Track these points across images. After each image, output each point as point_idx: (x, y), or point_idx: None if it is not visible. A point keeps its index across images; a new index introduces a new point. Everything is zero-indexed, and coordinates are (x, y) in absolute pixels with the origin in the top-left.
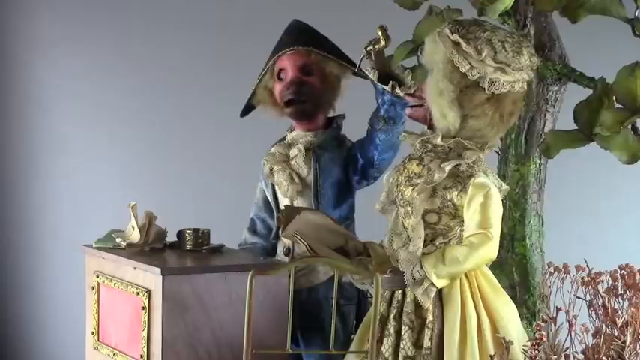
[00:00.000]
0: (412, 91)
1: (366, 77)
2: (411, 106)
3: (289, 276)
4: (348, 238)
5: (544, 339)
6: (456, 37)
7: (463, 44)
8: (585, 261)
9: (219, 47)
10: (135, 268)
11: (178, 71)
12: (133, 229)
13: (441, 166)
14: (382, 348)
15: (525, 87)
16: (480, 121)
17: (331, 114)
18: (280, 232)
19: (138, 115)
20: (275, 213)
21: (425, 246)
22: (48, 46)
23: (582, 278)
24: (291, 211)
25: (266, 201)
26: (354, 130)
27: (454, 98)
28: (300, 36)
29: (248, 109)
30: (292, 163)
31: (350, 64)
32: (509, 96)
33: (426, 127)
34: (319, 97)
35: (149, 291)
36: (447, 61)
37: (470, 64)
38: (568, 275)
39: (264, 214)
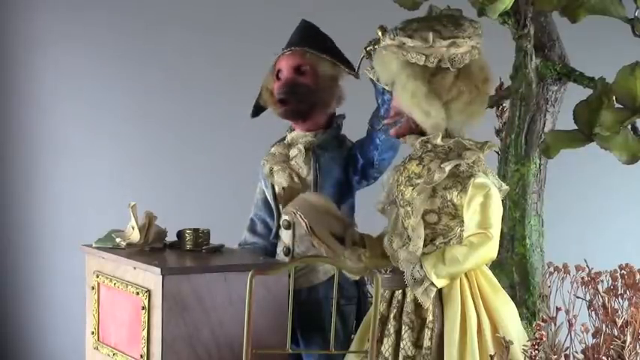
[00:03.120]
0: (385, 116)
1: (357, 77)
2: (391, 125)
3: (289, 276)
4: (347, 226)
5: (544, 339)
6: (398, 39)
7: (407, 41)
8: (585, 261)
9: (219, 47)
10: (135, 268)
11: (178, 71)
12: (133, 229)
13: (441, 166)
14: (382, 348)
15: (481, 52)
16: (461, 100)
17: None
18: (281, 208)
19: (138, 115)
20: (275, 213)
21: (425, 246)
22: (48, 46)
23: (582, 278)
24: (293, 191)
25: (265, 201)
26: (354, 130)
27: (427, 92)
28: (299, 37)
29: (258, 110)
30: (292, 163)
31: (345, 64)
32: (473, 65)
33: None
34: (312, 97)
35: (149, 291)
36: (403, 64)
37: (423, 54)
38: (568, 275)
39: (264, 214)
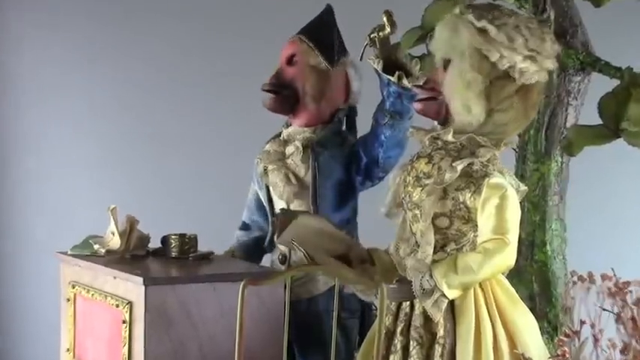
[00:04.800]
0: (422, 83)
1: (332, 66)
2: (421, 100)
3: (285, 286)
4: (351, 246)
5: (567, 355)
6: (483, 24)
7: (493, 31)
8: (612, 269)
9: (207, 40)
10: (115, 277)
11: (162, 66)
12: (113, 234)
13: (453, 164)
14: None
15: (547, 77)
16: (507, 115)
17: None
18: (275, 238)
19: (116, 112)
20: (269, 217)
21: (435, 253)
22: (21, 41)
23: (609, 288)
24: (288, 216)
25: (259, 203)
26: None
27: (482, 90)
28: (307, 24)
29: None
30: (288, 161)
31: (327, 57)
32: (536, 87)
33: (436, 123)
34: (298, 89)
35: (130, 303)
36: (474, 50)
37: (500, 52)
38: (593, 285)
39: (258, 217)
